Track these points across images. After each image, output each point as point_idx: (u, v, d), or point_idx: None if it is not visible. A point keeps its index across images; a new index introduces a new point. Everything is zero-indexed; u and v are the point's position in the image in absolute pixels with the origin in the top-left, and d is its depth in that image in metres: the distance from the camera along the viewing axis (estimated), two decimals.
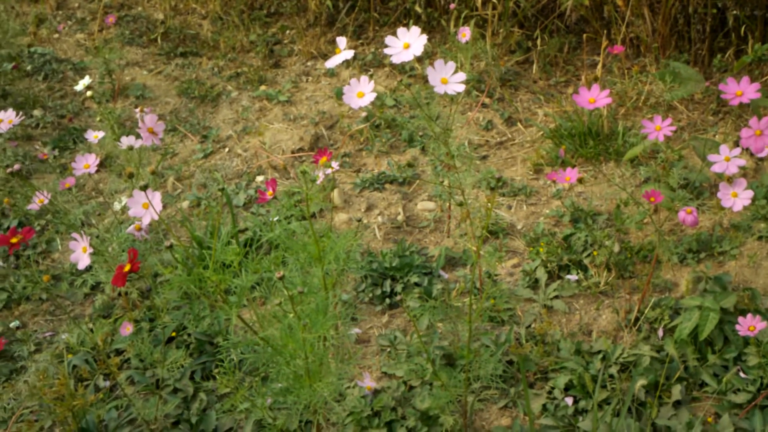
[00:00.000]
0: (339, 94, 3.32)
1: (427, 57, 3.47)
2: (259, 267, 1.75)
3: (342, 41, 1.86)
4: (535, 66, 3.41)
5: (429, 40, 3.60)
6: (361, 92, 1.85)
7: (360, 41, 3.79)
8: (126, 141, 1.97)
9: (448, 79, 1.76)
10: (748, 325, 1.85)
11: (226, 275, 1.56)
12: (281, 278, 1.43)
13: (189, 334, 2.22)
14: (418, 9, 3.66)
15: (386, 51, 1.76)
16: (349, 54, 1.85)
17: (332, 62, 1.86)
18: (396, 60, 1.77)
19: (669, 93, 2.56)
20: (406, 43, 1.77)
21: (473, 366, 1.89)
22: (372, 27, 3.83)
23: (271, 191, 2.06)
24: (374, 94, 1.81)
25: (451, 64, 1.77)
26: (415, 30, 1.77)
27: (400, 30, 1.77)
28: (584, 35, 3.39)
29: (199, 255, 2.37)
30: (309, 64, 3.66)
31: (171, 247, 1.50)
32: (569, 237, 2.46)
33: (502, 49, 3.47)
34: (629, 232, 2.49)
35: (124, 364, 2.18)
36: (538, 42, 3.45)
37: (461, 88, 1.76)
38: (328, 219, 2.66)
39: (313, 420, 1.78)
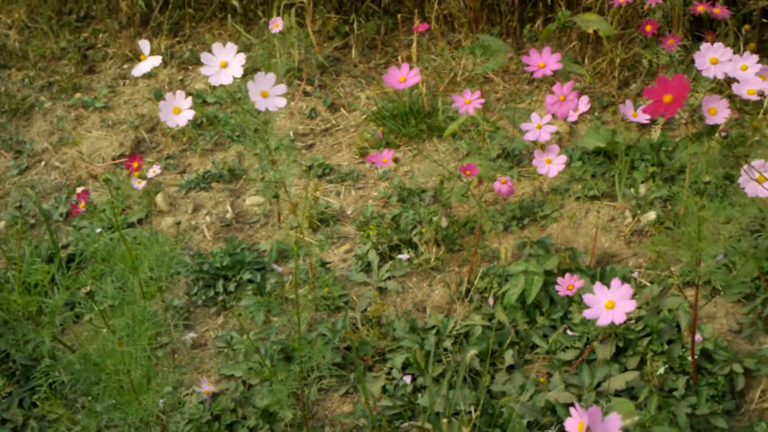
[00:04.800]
0: (158, 96, 3.24)
1: (246, 50, 3.43)
2: (73, 283, 1.69)
3: (146, 46, 1.80)
4: (354, 50, 3.42)
5: (247, 32, 3.55)
6: (178, 108, 1.80)
7: (177, 39, 3.71)
8: None
9: (268, 92, 1.74)
10: (566, 285, 1.92)
11: (33, 296, 1.49)
12: (89, 294, 1.38)
13: (14, 360, 2.12)
14: (234, 2, 3.60)
15: (203, 71, 1.72)
16: (156, 60, 1.80)
17: (139, 70, 1.81)
18: (215, 82, 1.73)
19: (480, 66, 2.61)
20: (224, 62, 1.73)
21: (310, 357, 1.88)
22: (188, 23, 3.75)
23: (83, 203, 1.98)
24: (192, 112, 1.77)
25: (271, 76, 1.74)
26: (232, 47, 1.74)
27: (215, 45, 1.73)
28: (399, 16, 3.42)
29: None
30: (125, 66, 3.55)
31: None
32: (398, 217, 2.49)
33: (320, 36, 3.46)
34: (455, 207, 2.53)
35: None
36: (355, 26, 3.46)
37: (282, 102, 1.74)
38: (154, 224, 2.60)
39: None
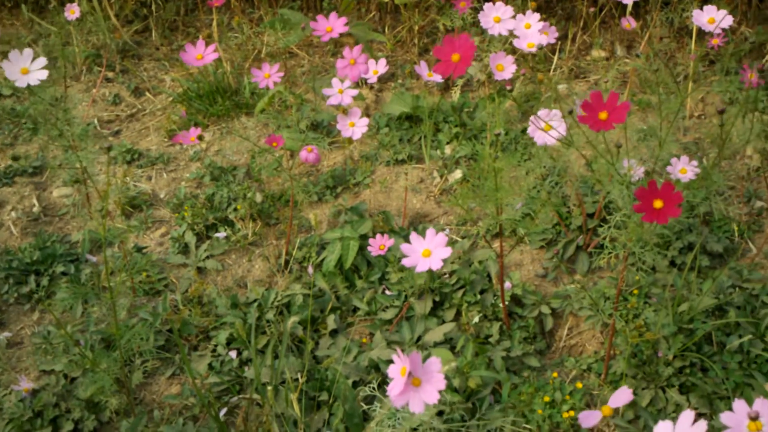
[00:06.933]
0: None
1: (42, 38, 3.31)
2: None
3: None
4: (154, 33, 3.36)
5: (41, 19, 3.42)
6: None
7: None
8: None
9: (28, 68, 1.71)
10: (378, 245, 1.98)
11: None
12: None
13: None
14: None
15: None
16: None
17: None
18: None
19: (282, 40, 2.63)
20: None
21: (131, 341, 1.86)
22: None
23: None
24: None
25: (28, 52, 1.71)
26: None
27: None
28: None
29: None
30: None
31: None
32: (212, 196, 2.48)
33: (119, 20, 3.38)
34: (268, 181, 2.55)
35: None
36: (154, 8, 3.40)
37: (44, 75, 1.72)
38: None
39: None
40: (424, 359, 1.30)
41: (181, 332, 2.08)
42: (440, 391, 1.26)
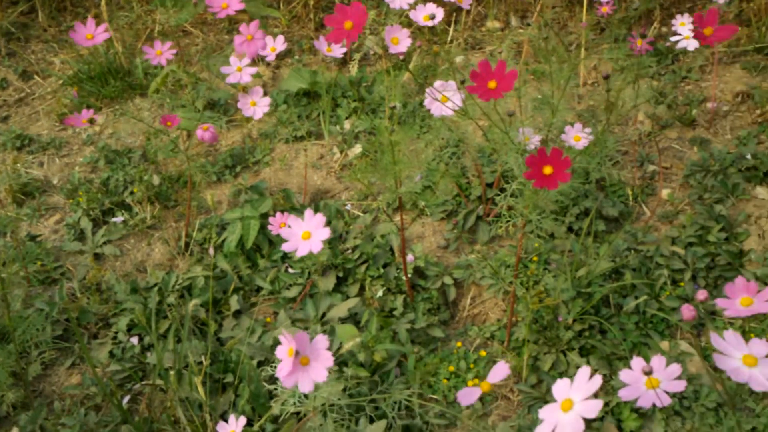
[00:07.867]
0: None
1: None
2: None
3: None
4: (41, 14, 3.25)
5: None
6: None
7: None
8: None
9: None
10: (278, 223, 1.96)
11: None
12: None
13: None
14: None
15: None
16: None
17: None
18: None
19: (174, 18, 2.57)
20: None
21: (28, 333, 1.81)
22: None
23: None
24: None
25: None
26: None
27: None
28: None
29: None
30: None
31: None
32: (107, 180, 2.42)
33: (3, 1, 3.26)
34: (166, 162, 2.50)
35: None
36: None
37: None
38: None
39: None
40: (330, 334, 1.30)
41: (79, 321, 2.03)
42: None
